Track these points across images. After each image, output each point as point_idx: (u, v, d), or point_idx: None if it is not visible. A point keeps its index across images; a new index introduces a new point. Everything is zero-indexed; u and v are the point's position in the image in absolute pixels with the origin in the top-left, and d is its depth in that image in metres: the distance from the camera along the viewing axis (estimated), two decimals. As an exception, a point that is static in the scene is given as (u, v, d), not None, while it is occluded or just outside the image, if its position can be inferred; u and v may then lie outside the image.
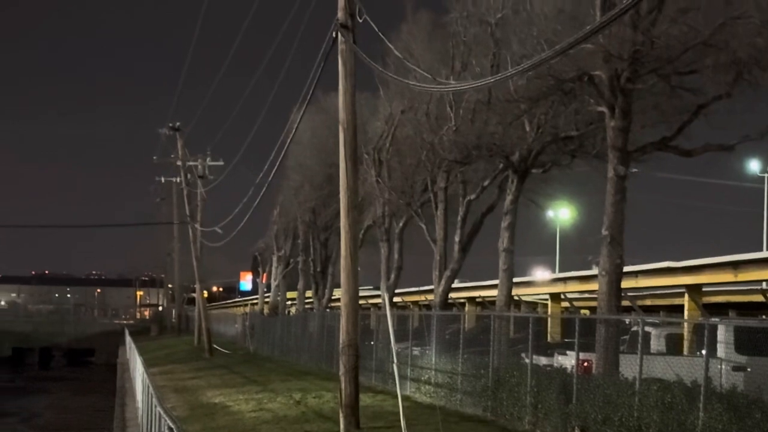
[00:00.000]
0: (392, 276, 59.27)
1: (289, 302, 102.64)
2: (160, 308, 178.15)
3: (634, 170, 33.72)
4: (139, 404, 32.27)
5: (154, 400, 25.34)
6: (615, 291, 32.79)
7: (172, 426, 16.01)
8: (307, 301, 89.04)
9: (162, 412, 20.19)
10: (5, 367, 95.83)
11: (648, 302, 62.81)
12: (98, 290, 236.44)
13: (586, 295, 63.90)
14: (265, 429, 31.69)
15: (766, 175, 67.49)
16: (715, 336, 32.08)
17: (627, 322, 33.74)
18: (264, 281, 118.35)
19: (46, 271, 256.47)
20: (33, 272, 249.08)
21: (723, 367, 29.07)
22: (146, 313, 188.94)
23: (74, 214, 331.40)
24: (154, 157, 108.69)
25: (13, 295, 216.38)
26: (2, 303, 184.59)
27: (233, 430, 32.77)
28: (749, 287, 57.47)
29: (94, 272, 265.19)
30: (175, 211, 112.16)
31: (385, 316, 33.52)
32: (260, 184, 45.75)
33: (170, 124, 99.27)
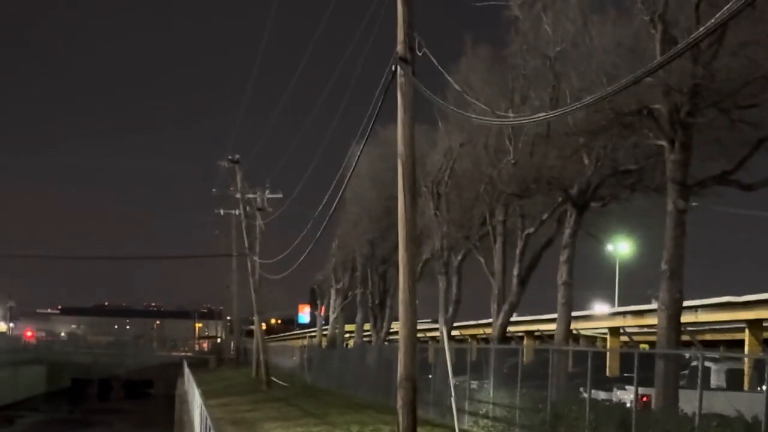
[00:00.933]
0: (450, 309, 59.14)
1: (347, 335, 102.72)
2: (219, 340, 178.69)
3: (694, 204, 33.56)
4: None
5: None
6: (674, 325, 32.65)
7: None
8: (365, 334, 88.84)
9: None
10: (64, 399, 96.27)
11: (708, 337, 62.45)
12: (157, 322, 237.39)
13: (645, 330, 63.45)
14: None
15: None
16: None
17: (687, 357, 33.59)
18: (322, 314, 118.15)
19: (106, 303, 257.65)
20: (93, 304, 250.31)
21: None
22: (204, 345, 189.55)
23: (132, 246, 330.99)
24: (213, 190, 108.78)
25: (73, 326, 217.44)
26: (62, 334, 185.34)
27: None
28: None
29: (153, 304, 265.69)
30: (234, 243, 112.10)
31: (443, 349, 33.52)
32: (319, 217, 45.76)
33: (229, 157, 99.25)
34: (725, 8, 18.02)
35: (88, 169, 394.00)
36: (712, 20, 20.26)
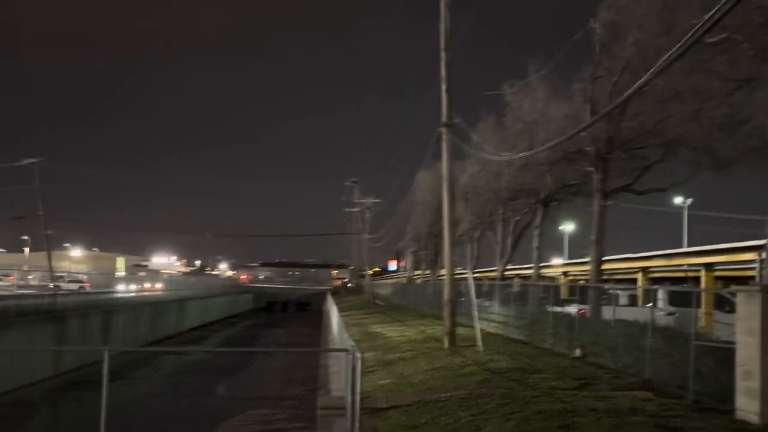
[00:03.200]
0: (473, 262, 59.28)
1: (416, 276, 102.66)
2: (346, 280, 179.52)
3: (609, 203, 33.32)
4: (335, 331, 32.62)
5: (343, 329, 25.67)
6: (598, 270, 32.57)
7: (352, 343, 16.17)
8: (426, 275, 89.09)
9: (347, 337, 20.45)
10: (262, 312, 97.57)
11: (618, 276, 61.91)
12: (312, 270, 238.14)
13: (581, 272, 63.11)
14: (404, 346, 31.77)
15: (683, 205, 66.19)
16: (657, 295, 31.62)
17: (605, 288, 33.28)
18: (403, 265, 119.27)
19: (285, 259, 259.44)
20: (277, 260, 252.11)
21: (661, 313, 28.62)
22: (338, 283, 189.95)
23: (299, 228, 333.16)
24: (342, 198, 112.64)
25: (267, 273, 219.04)
26: (261, 277, 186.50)
27: (386, 345, 32.91)
28: (676, 268, 56.47)
29: (310, 260, 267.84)
30: (353, 227, 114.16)
31: (470, 283, 33.53)
32: (401, 212, 46.09)
33: (351, 180, 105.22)
34: (624, 95, 17.89)
35: (270, 189, 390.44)
36: (617, 101, 20.13)
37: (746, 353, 14.25)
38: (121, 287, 69.96)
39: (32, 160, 67.57)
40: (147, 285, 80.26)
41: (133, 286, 74.32)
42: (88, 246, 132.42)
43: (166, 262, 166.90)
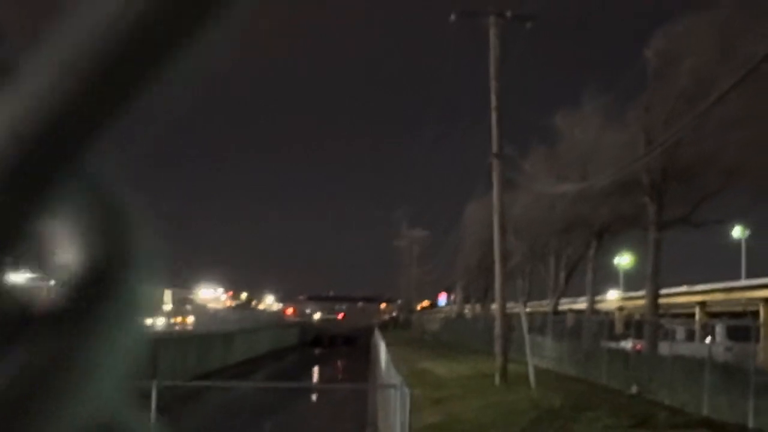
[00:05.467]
0: (525, 295, 58.93)
1: (466, 311, 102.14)
2: (394, 314, 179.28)
3: (666, 235, 32.95)
4: (383, 366, 32.60)
5: (391, 364, 25.66)
6: (654, 304, 32.24)
7: (400, 377, 16.16)
8: (475, 310, 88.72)
9: (394, 371, 20.45)
10: (310, 347, 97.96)
11: (675, 310, 61.08)
12: (359, 304, 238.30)
13: (638, 306, 62.40)
14: (453, 383, 31.64)
15: (742, 238, 65.16)
16: (715, 330, 31.21)
17: (662, 323, 32.84)
18: (453, 299, 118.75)
19: (331, 293, 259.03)
20: (324, 294, 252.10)
21: (720, 348, 28.20)
22: (386, 317, 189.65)
23: (345, 259, 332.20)
24: (390, 230, 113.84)
25: (314, 307, 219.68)
26: (307, 311, 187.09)
27: (435, 382, 32.80)
28: (735, 302, 55.61)
29: (358, 294, 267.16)
30: (403, 261, 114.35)
31: (522, 318, 33.34)
32: (450, 244, 45.98)
33: (402, 211, 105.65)
34: (679, 127, 17.81)
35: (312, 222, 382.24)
36: (673, 131, 20.06)
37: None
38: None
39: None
40: (178, 320, 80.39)
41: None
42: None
43: (212, 294, 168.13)
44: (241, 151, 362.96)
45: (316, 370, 58.98)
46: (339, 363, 65.62)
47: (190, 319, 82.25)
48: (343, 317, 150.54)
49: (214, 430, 28.14)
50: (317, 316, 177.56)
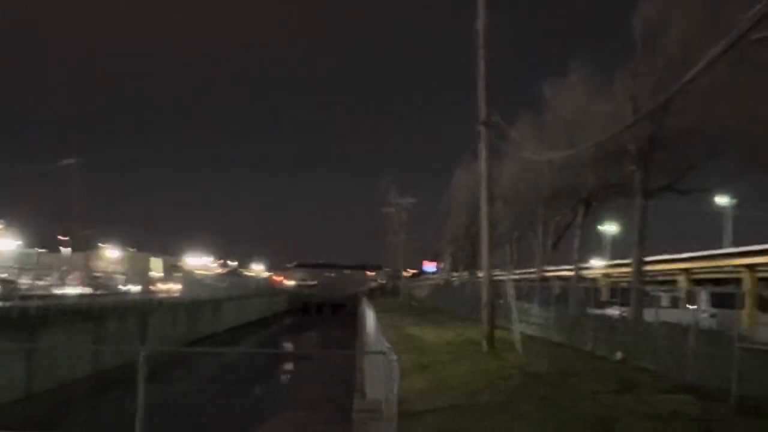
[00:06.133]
0: (512, 263, 59.16)
1: (453, 278, 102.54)
2: (383, 281, 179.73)
3: (652, 203, 33.10)
4: (371, 333, 32.72)
5: (379, 331, 25.74)
6: (639, 272, 32.42)
7: (388, 345, 16.26)
8: (463, 277, 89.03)
9: (383, 339, 20.52)
10: (298, 313, 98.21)
11: (660, 277, 61.43)
12: (347, 271, 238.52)
13: (623, 273, 62.75)
14: (440, 349, 31.78)
15: (727, 207, 65.37)
16: (699, 297, 31.43)
17: (648, 290, 33.09)
18: (440, 266, 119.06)
19: (320, 260, 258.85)
20: (313, 261, 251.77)
21: (704, 315, 28.44)
22: (374, 284, 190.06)
23: (331, 227, 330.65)
24: (378, 198, 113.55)
25: (302, 274, 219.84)
26: (296, 280, 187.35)
27: (423, 348, 32.93)
28: (719, 270, 55.95)
29: (345, 261, 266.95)
30: (391, 228, 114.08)
31: (508, 285, 33.50)
32: (438, 212, 46.06)
33: (388, 179, 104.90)
34: (667, 94, 17.83)
35: (302, 188, 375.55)
36: (660, 99, 20.07)
37: (791, 356, 14.15)
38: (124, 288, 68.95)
39: (70, 161, 68.56)
40: (161, 286, 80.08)
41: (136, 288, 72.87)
42: (126, 246, 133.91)
43: (201, 262, 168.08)
44: (230, 121, 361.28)
45: (304, 336, 59.23)
46: (327, 330, 65.85)
47: (177, 286, 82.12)
48: (317, 286, 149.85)
49: (204, 396, 28.29)
50: (291, 283, 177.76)
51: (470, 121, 32.02)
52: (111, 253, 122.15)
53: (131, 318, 39.65)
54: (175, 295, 65.63)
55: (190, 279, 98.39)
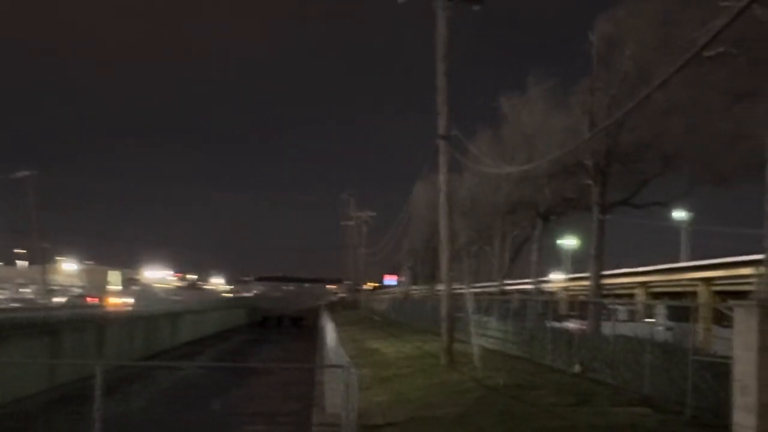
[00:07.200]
0: (471, 276, 59.37)
1: (413, 291, 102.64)
2: (342, 295, 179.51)
3: (608, 217, 33.39)
4: (330, 347, 32.61)
5: (338, 345, 25.65)
6: (597, 286, 32.65)
7: (348, 359, 16.26)
8: (423, 290, 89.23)
9: (342, 353, 20.48)
10: (257, 327, 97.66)
11: (618, 291, 62.02)
12: (307, 285, 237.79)
13: (582, 287, 63.23)
14: (400, 362, 31.84)
15: (683, 221, 66.28)
16: (656, 311, 31.77)
17: (605, 303, 33.37)
18: (400, 279, 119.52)
19: (279, 274, 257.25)
20: (272, 274, 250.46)
21: (660, 328, 28.74)
22: (334, 298, 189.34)
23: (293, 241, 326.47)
24: (337, 211, 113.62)
25: (261, 287, 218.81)
26: (255, 292, 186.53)
27: (382, 362, 32.97)
28: (676, 283, 56.65)
29: (305, 275, 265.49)
30: (349, 241, 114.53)
31: (467, 299, 33.65)
32: (398, 225, 46.12)
33: (348, 192, 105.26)
34: (621, 112, 18.08)
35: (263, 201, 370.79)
36: (615, 116, 20.34)
37: (743, 368, 14.34)
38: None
39: (26, 173, 67.75)
40: (113, 301, 79.11)
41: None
42: (83, 259, 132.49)
43: (160, 276, 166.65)
44: (190, 134, 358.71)
45: (263, 350, 58.92)
46: (287, 343, 65.56)
47: (130, 300, 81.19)
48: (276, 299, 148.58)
49: (161, 410, 28.01)
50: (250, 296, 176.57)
51: (430, 135, 32.21)
52: (68, 267, 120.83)
53: (88, 332, 39.18)
54: (126, 308, 64.92)
55: (145, 292, 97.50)
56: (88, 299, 73.33)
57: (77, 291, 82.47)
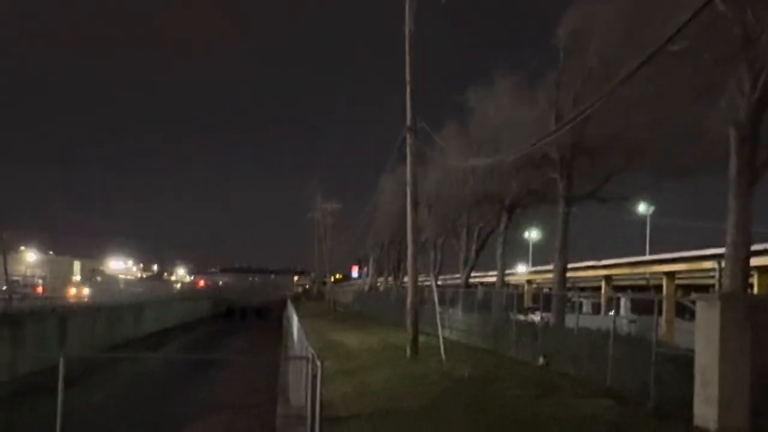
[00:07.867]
0: (437, 269, 59.45)
1: (378, 283, 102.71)
2: (307, 286, 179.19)
3: (573, 210, 33.59)
4: (295, 338, 32.56)
5: (303, 336, 25.65)
6: (562, 278, 32.82)
7: (312, 351, 16.23)
8: (388, 282, 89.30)
9: (307, 345, 20.46)
10: (221, 319, 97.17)
11: (582, 284, 62.51)
12: (272, 276, 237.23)
13: (546, 280, 63.60)
14: (364, 354, 31.86)
15: (647, 215, 66.72)
16: (619, 303, 32.03)
17: (569, 296, 33.60)
18: (365, 271, 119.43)
19: (245, 264, 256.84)
20: (237, 266, 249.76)
21: (623, 321, 28.99)
22: (299, 289, 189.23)
23: (262, 231, 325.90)
24: (304, 202, 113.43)
25: (226, 279, 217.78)
26: (220, 283, 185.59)
27: (347, 354, 32.96)
28: (639, 276, 57.15)
29: (271, 266, 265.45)
30: (316, 233, 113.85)
31: (433, 291, 33.69)
32: (363, 217, 46.05)
33: (314, 183, 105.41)
34: (585, 108, 18.18)
35: (229, 193, 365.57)
36: (581, 109, 20.42)
37: (705, 361, 14.53)
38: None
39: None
40: (72, 291, 78.24)
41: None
42: (47, 249, 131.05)
43: (123, 267, 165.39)
44: (157, 124, 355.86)
45: (227, 341, 58.70)
46: (251, 335, 65.37)
47: (86, 290, 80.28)
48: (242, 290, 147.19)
49: (123, 401, 27.81)
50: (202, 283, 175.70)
51: (397, 127, 32.22)
52: (30, 257, 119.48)
53: (50, 322, 38.78)
54: (84, 300, 64.11)
55: (105, 283, 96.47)
56: (37, 289, 72.28)
57: (30, 281, 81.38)
